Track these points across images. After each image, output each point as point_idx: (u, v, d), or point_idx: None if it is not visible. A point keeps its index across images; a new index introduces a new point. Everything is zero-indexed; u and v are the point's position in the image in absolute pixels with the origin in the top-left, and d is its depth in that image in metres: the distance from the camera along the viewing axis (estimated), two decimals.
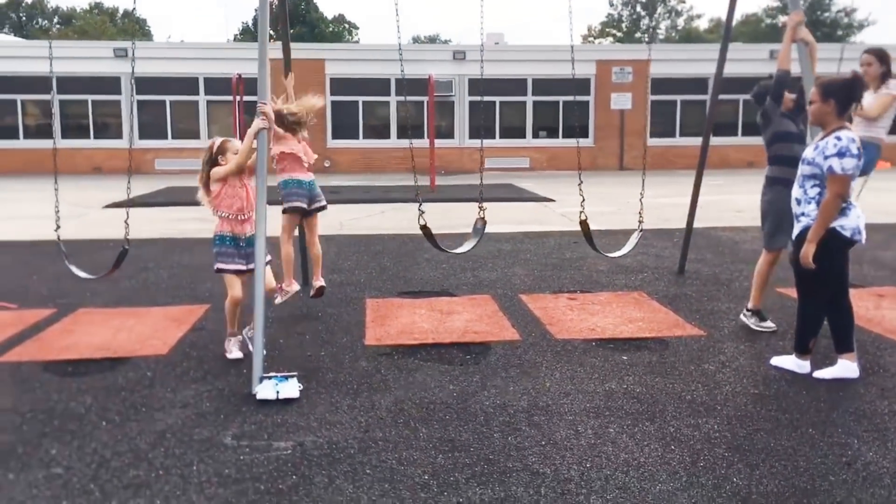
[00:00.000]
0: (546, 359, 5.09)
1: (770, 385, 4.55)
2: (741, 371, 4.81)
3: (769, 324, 5.70)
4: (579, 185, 6.33)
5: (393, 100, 23.64)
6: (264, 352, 4.63)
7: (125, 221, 5.53)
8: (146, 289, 7.23)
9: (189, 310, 6.41)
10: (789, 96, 5.62)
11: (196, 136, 22.95)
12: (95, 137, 22.68)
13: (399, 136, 23.72)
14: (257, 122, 5.06)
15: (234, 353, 5.15)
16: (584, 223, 6.11)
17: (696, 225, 7.90)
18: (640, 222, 6.74)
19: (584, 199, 6.07)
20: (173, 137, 22.83)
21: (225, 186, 5.11)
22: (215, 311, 6.39)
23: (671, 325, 5.86)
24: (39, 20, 63.38)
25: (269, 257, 5.48)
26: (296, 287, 6.25)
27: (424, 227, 5.99)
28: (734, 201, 14.37)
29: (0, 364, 5.02)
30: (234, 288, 5.14)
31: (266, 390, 4.36)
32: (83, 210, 13.81)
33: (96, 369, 4.94)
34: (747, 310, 5.83)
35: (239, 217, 5.15)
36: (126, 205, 5.82)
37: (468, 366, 4.97)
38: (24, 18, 62.13)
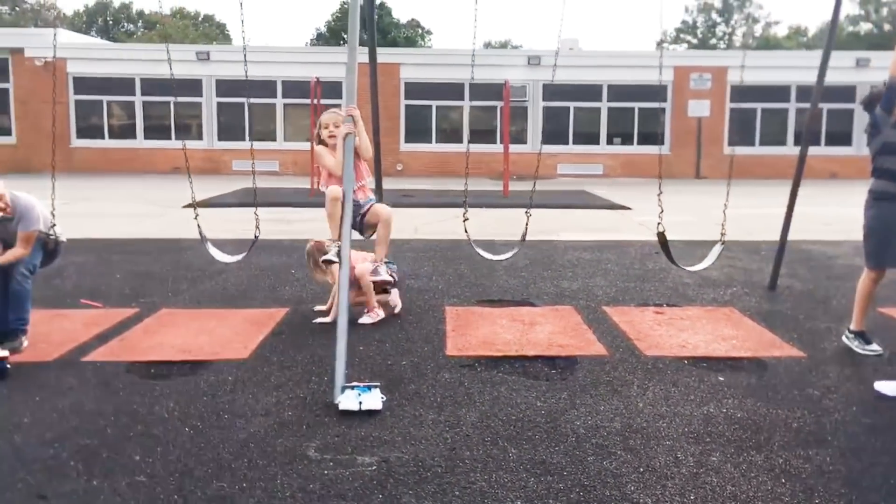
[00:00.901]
0: (637, 377, 4.86)
1: (883, 414, 4.23)
2: (849, 397, 4.49)
3: (875, 347, 5.34)
4: (658, 195, 5.96)
5: (466, 104, 23.54)
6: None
7: (254, 213, 5.68)
8: (226, 290, 7.24)
9: (269, 313, 6.37)
10: None
11: (273, 137, 23.27)
12: (176, 138, 23.21)
13: (472, 141, 23.57)
14: (345, 127, 5.00)
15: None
16: (661, 235, 5.84)
17: (789, 238, 7.51)
18: (723, 234, 6.40)
19: (661, 210, 5.79)
20: (251, 139, 23.18)
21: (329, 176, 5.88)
22: (295, 314, 6.36)
23: (768, 345, 5.55)
24: (125, 24, 65.59)
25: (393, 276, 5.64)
26: (381, 315, 6.19)
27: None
28: (821, 213, 13.76)
29: (86, 363, 5.05)
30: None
31: (349, 401, 4.25)
32: (163, 209, 14.07)
33: (178, 372, 4.92)
34: (850, 331, 5.48)
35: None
36: (254, 204, 5.77)
37: (555, 381, 4.77)
38: (110, 22, 64.33)
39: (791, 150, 23.08)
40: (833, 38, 6.70)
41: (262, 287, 7.45)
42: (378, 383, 4.46)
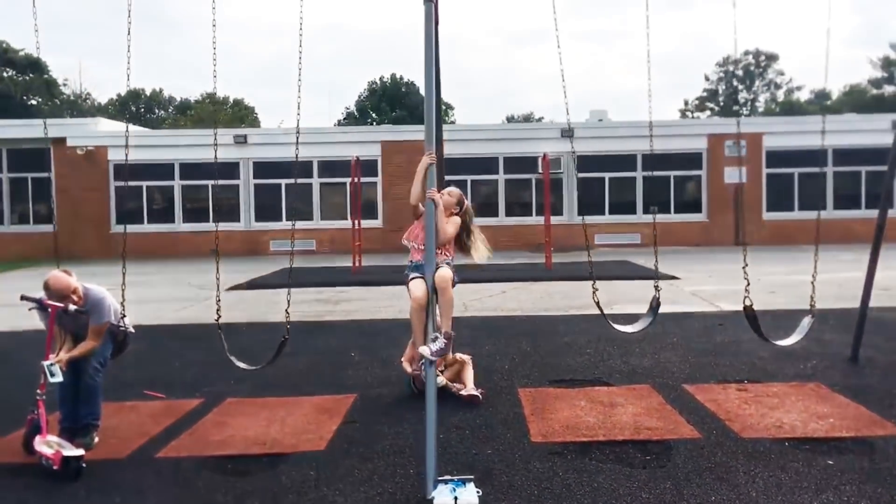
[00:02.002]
0: (739, 462, 4.58)
1: None
2: None
3: None
4: (744, 266, 5.71)
5: (501, 178, 23.62)
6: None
7: (286, 311, 5.33)
8: (288, 376, 7.06)
9: (337, 400, 6.18)
10: None
11: (310, 217, 23.42)
12: (214, 221, 23.45)
13: (507, 214, 23.60)
14: (426, 160, 4.88)
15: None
16: (749, 308, 5.62)
17: (846, 305, 7.25)
18: (812, 306, 6.17)
19: (748, 283, 5.58)
20: (288, 219, 23.36)
21: (417, 221, 5.58)
22: (364, 400, 6.17)
23: (869, 423, 5.25)
24: (157, 110, 67.43)
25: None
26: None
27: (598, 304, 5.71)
28: (877, 279, 13.40)
29: (160, 459, 4.88)
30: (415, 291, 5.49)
31: (443, 497, 4.03)
32: (208, 293, 14.03)
33: (256, 467, 4.72)
34: None
35: (422, 247, 5.46)
36: (287, 296, 5.61)
37: (653, 469, 4.51)
38: (142, 109, 66.16)
39: (831, 213, 22.84)
40: None
41: (324, 372, 7.27)
42: (471, 476, 4.24)
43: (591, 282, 5.96)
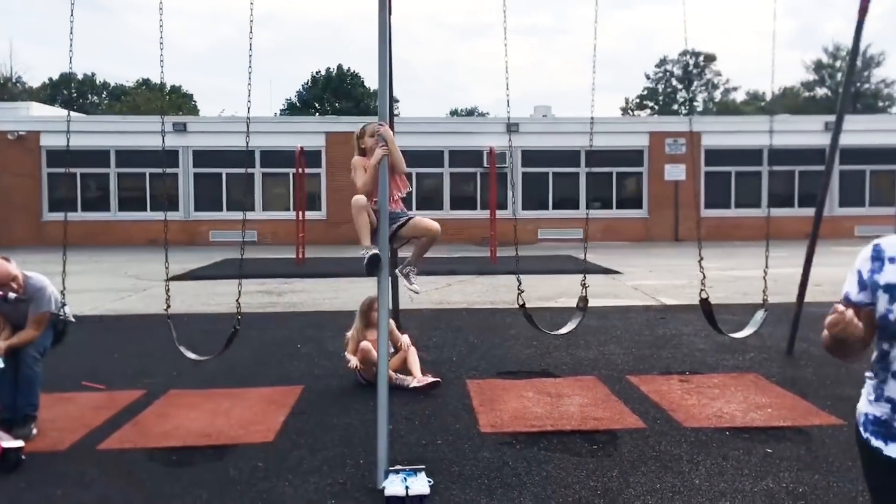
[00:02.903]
0: (683, 450, 4.69)
1: None
2: None
3: None
4: (699, 260, 5.78)
5: (446, 171, 23.65)
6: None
7: (237, 301, 5.25)
8: (233, 368, 6.96)
9: (284, 391, 6.12)
10: None
11: (251, 207, 23.08)
12: (152, 209, 22.92)
13: (452, 208, 23.65)
14: (379, 152, 4.73)
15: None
16: (705, 301, 5.76)
17: (780, 300, 7.48)
18: (765, 300, 6.32)
19: (704, 277, 5.72)
20: (228, 209, 22.98)
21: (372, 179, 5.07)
22: (311, 392, 6.12)
23: (805, 413, 5.44)
24: (90, 96, 65.49)
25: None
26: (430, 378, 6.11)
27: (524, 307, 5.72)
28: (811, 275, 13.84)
29: (104, 451, 4.76)
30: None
31: (394, 486, 4.02)
32: (147, 283, 13.73)
33: (203, 458, 4.65)
34: None
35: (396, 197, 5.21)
36: (238, 286, 5.53)
37: (600, 458, 4.59)
38: (75, 95, 64.16)
39: (765, 211, 23.48)
40: (847, 104, 6.76)
41: (270, 364, 7.19)
42: (422, 466, 4.24)
43: (518, 283, 5.94)
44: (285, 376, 6.67)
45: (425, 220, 5.41)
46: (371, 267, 5.04)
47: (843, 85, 6.71)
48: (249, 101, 4.93)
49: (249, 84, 4.93)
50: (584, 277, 6.17)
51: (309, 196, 21.38)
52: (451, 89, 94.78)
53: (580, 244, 23.83)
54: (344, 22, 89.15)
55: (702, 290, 5.70)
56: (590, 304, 6.26)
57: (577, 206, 23.75)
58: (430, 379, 6.07)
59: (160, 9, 5.18)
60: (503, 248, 18.73)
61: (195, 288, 12.94)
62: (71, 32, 5.07)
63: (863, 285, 2.14)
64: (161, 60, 5.04)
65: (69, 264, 5.51)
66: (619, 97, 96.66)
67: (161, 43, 5.11)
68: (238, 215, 22.17)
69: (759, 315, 6.02)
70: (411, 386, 6.04)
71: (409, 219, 5.38)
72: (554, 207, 23.75)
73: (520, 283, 5.81)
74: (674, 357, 7.28)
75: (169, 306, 5.33)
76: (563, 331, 6.21)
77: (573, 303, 10.49)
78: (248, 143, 5.41)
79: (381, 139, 4.79)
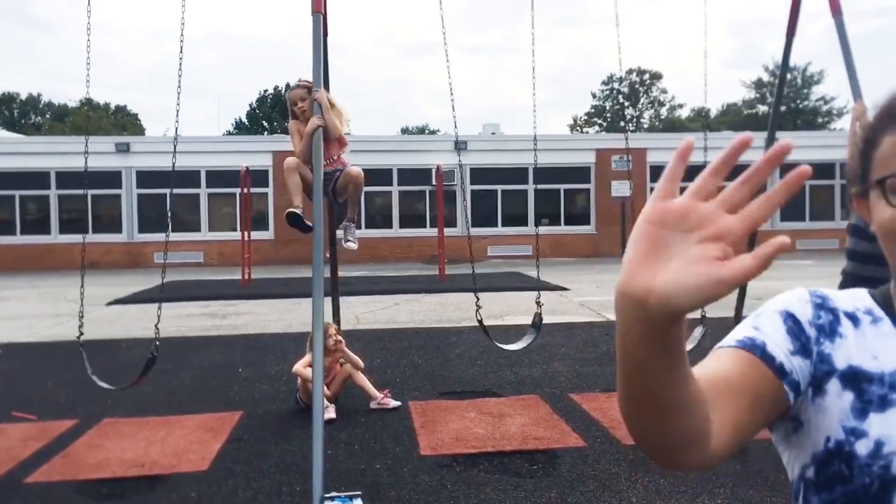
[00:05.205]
0: (622, 468, 4.71)
1: None
2: None
3: None
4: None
5: (395, 189, 23.63)
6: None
7: (156, 326, 5.15)
8: (171, 395, 6.80)
9: (221, 417, 5.99)
10: None
11: (197, 228, 22.74)
12: (94, 232, 22.45)
13: (401, 226, 23.62)
14: (314, 121, 4.78)
15: None
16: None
17: (720, 315, 7.58)
18: (703, 316, 6.41)
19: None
20: (174, 230, 22.61)
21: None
22: (251, 418, 6.00)
23: None
24: (32, 116, 64.01)
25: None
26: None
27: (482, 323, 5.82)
28: (749, 288, 14.13)
29: (30, 485, 4.59)
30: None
31: None
32: (87, 308, 13.35)
33: (134, 489, 4.51)
34: None
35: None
36: (158, 310, 5.41)
37: (539, 478, 4.58)
38: (16, 114, 62.69)
39: None
40: (777, 120, 6.93)
41: (209, 389, 7.04)
42: (359, 492, 4.18)
43: (476, 299, 6.07)
44: (224, 402, 6.53)
45: (351, 168, 5.58)
46: (290, 221, 5.29)
47: (773, 104, 6.87)
48: (177, 121, 4.84)
49: (178, 104, 4.84)
50: (539, 295, 6.23)
51: (257, 216, 21.17)
52: (402, 107, 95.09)
53: (529, 260, 24.07)
54: (291, 41, 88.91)
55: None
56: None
57: (525, 223, 23.91)
58: (382, 396, 6.13)
59: (88, 28, 5.08)
60: (452, 266, 18.76)
61: (137, 312, 12.67)
62: None
63: (798, 338, 0.97)
64: (87, 81, 4.93)
65: (6, 290, 5.36)
66: (567, 115, 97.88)
67: (88, 63, 5.01)
68: (183, 236, 21.84)
69: (698, 331, 6.09)
70: (371, 406, 6.08)
71: (342, 171, 5.57)
72: (503, 224, 23.88)
73: (478, 299, 5.91)
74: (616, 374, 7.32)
75: (82, 333, 5.22)
76: (518, 346, 6.28)
77: (521, 320, 10.57)
78: (174, 164, 5.30)
79: (316, 107, 4.92)
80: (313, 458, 4.18)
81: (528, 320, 10.67)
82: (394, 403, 6.15)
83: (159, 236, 22.49)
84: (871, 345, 0.96)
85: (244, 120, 56.35)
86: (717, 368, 0.94)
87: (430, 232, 22.63)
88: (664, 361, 0.76)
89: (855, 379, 0.94)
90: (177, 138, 5.39)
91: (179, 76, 4.79)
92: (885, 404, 0.91)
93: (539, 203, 23.74)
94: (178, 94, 4.79)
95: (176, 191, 22.53)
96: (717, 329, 7.96)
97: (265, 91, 56.06)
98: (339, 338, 6.21)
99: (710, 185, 0.70)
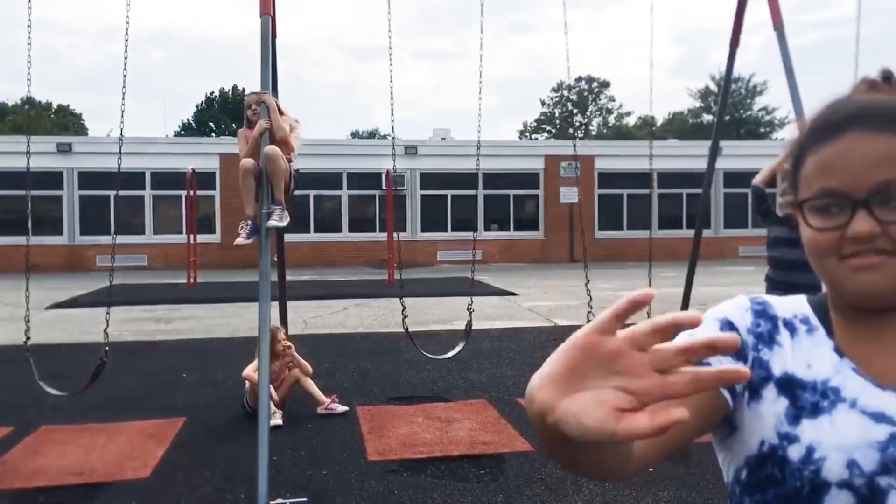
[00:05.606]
0: (568, 473, 4.74)
1: None
2: None
3: None
4: (586, 283, 6.02)
5: (345, 193, 23.52)
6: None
7: (104, 331, 5.04)
8: (112, 401, 6.65)
9: (164, 424, 5.88)
10: None
11: (141, 231, 22.29)
12: (34, 234, 21.81)
13: (351, 230, 23.50)
14: (261, 124, 4.77)
15: None
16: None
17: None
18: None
19: (591, 300, 5.87)
20: (117, 233, 22.12)
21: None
22: (194, 424, 5.90)
23: None
24: None
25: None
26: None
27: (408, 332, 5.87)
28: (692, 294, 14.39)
29: None
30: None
31: None
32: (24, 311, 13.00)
33: (73, 498, 4.40)
34: None
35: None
36: (106, 314, 5.31)
37: (486, 483, 4.59)
38: None
39: (656, 233, 24.35)
40: (721, 130, 7.08)
41: (151, 395, 6.91)
42: (305, 499, 4.14)
43: (402, 308, 6.09)
44: (167, 408, 6.41)
45: (266, 147, 5.37)
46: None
47: (717, 113, 7.03)
48: (122, 122, 4.74)
49: (123, 104, 4.75)
50: (471, 301, 6.25)
51: (203, 218, 20.85)
52: (352, 111, 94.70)
53: (479, 265, 24.05)
54: (239, 43, 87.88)
55: (589, 311, 5.82)
56: (485, 327, 6.36)
57: (475, 228, 24.00)
58: (330, 402, 6.09)
59: (29, 26, 4.95)
60: (403, 271, 18.72)
61: (78, 316, 12.38)
62: None
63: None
64: (28, 79, 4.81)
65: None
66: (517, 121, 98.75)
67: (29, 61, 4.88)
68: (127, 239, 21.37)
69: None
70: (319, 412, 6.03)
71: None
72: (453, 229, 23.93)
73: (404, 308, 5.89)
74: None
75: (28, 338, 5.06)
76: (448, 355, 6.31)
77: (476, 325, 10.61)
78: (119, 165, 5.20)
79: (263, 110, 4.88)
80: (258, 464, 4.13)
81: (476, 324, 10.72)
82: (341, 409, 6.12)
83: (101, 239, 21.99)
84: (806, 354, 1.00)
85: (191, 121, 55.47)
86: None
87: (378, 236, 22.57)
88: (582, 452, 0.80)
89: (790, 386, 0.98)
90: (122, 139, 5.30)
91: (124, 76, 4.69)
92: (817, 411, 0.95)
93: (488, 208, 23.87)
94: (123, 93, 4.70)
95: (120, 193, 22.08)
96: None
97: (212, 93, 55.27)
98: (289, 343, 6.17)
99: (649, 340, 0.68)
